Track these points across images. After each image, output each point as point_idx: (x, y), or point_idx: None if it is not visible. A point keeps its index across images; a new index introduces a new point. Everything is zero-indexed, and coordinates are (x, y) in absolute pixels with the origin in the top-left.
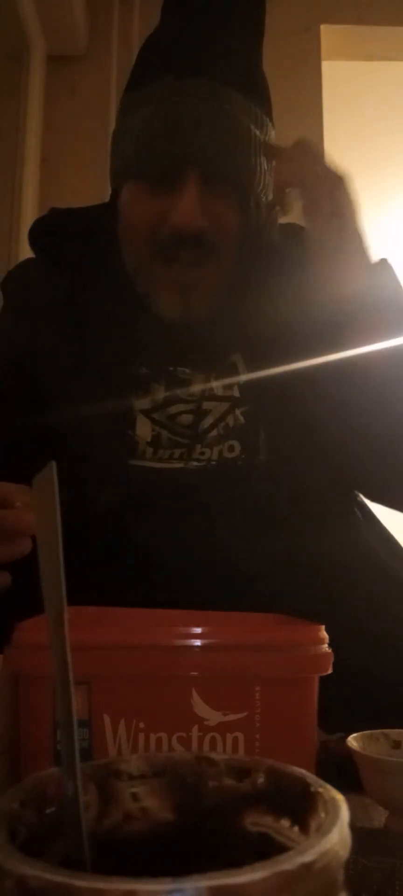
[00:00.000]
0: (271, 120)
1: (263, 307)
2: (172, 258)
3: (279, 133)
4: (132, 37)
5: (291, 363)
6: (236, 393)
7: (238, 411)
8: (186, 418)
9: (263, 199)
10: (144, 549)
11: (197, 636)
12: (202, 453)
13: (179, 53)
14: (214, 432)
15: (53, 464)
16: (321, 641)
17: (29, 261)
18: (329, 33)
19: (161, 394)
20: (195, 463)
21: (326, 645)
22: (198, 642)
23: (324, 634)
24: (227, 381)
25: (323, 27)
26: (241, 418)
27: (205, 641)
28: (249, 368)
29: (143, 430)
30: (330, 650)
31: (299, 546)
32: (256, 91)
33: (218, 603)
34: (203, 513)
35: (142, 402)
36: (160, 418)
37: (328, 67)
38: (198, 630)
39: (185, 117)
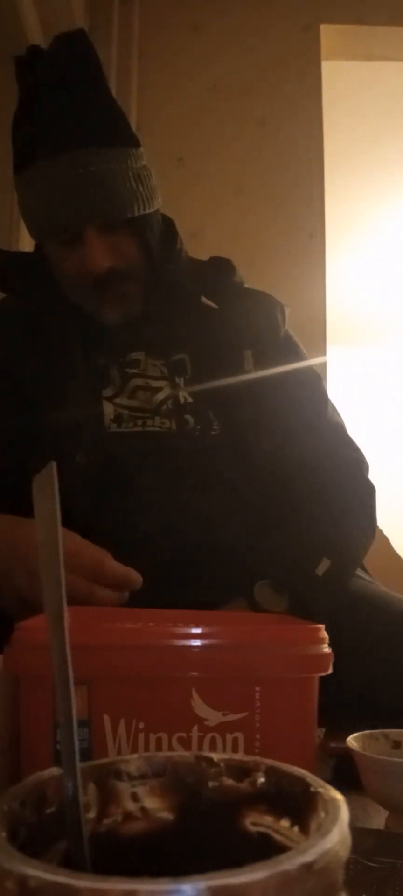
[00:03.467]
0: (137, 141)
1: (194, 321)
2: (100, 289)
3: (279, 133)
4: (132, 37)
5: (228, 364)
6: (182, 384)
7: (186, 393)
8: (142, 394)
9: (151, 211)
10: (114, 508)
11: (197, 636)
12: (162, 423)
13: (47, 139)
14: (168, 405)
15: (53, 464)
16: (321, 641)
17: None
18: (329, 33)
19: (118, 377)
20: (157, 428)
21: (326, 645)
22: (197, 642)
23: (324, 634)
24: (173, 358)
25: (322, 27)
26: (190, 398)
27: (205, 641)
28: (194, 366)
29: (107, 410)
30: (330, 650)
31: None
32: (118, 131)
33: (180, 549)
34: (166, 471)
35: (106, 391)
36: (121, 402)
37: (328, 67)
38: (198, 630)
39: (68, 189)
